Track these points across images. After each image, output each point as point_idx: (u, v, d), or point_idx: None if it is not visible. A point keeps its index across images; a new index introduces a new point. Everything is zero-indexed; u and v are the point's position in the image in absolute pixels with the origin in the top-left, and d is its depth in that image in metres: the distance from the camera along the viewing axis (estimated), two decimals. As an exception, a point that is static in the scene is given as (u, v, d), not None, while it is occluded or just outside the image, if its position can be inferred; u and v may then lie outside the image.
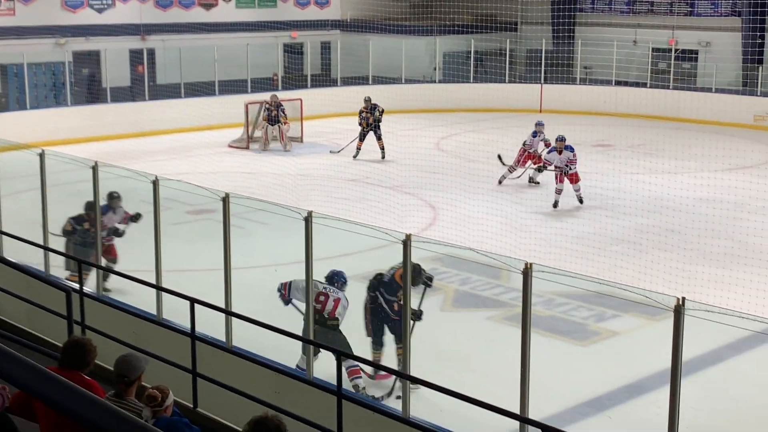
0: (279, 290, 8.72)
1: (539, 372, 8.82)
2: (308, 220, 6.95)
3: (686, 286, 11.80)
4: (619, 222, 15.45)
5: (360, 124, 21.98)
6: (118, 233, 11.56)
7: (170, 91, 26.24)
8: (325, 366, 8.01)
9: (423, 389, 7.21)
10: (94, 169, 8.95)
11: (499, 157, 19.12)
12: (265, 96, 24.31)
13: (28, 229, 10.19)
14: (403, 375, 6.44)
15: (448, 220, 15.39)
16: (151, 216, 8.62)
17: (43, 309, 7.98)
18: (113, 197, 11.49)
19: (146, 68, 26.28)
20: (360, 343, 8.83)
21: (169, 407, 5.00)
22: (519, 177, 18.77)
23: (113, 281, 10.52)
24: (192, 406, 7.05)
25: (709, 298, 10.75)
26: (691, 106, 27.09)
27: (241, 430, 4.25)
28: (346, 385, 6.51)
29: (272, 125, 23.35)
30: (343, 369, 8.03)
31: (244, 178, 19.21)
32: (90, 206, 10.95)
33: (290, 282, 8.63)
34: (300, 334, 7.46)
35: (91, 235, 10.91)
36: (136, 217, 11.39)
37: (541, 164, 17.92)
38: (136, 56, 27.76)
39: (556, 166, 16.94)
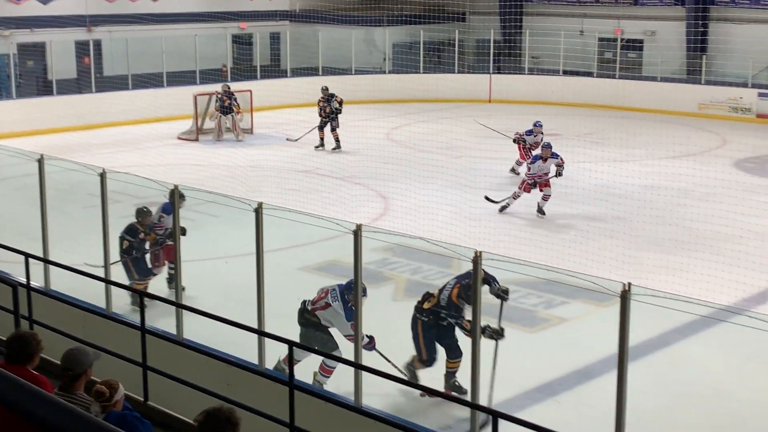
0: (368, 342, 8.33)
1: (490, 359, 8.94)
2: (258, 211, 6.94)
3: (633, 272, 11.98)
4: (568, 210, 15.63)
5: (319, 114, 21.96)
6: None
7: (118, 83, 25.93)
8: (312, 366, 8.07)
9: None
10: (40, 162, 8.82)
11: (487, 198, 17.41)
12: (214, 87, 24.16)
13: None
14: (348, 362, 6.47)
15: (400, 210, 15.44)
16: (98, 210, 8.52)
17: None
18: (143, 212, 10.97)
19: (93, 60, 25.89)
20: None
21: (118, 402, 4.97)
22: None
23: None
24: (143, 399, 7.02)
25: (656, 283, 10.93)
26: (637, 94, 27.48)
27: (193, 422, 4.24)
28: (301, 375, 6.51)
29: (225, 115, 23.22)
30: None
31: (193, 170, 19.07)
32: (141, 213, 10.85)
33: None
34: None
35: (147, 242, 10.89)
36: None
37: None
38: (82, 48, 27.36)
39: (535, 174, 15.70)
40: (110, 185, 8.34)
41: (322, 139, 21.88)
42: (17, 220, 13.01)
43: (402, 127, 25.27)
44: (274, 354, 7.71)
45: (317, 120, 22.10)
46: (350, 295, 8.19)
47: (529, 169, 16.02)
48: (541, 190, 15.64)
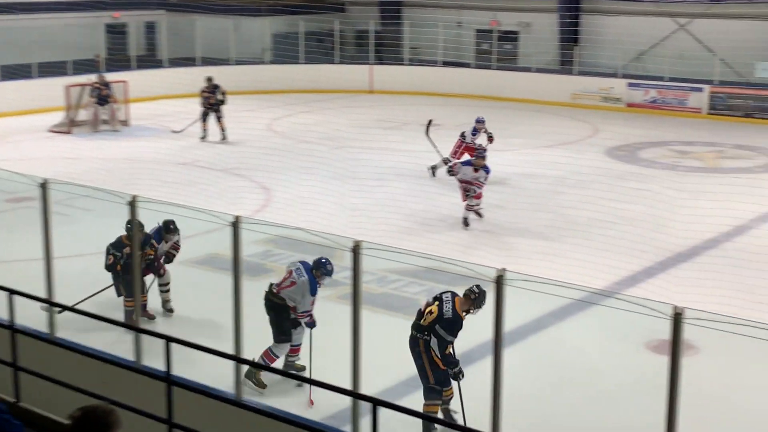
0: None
1: (372, 348, 8.98)
2: (133, 204, 6.78)
3: (511, 258, 12.27)
4: (448, 199, 15.84)
5: (202, 104, 21.58)
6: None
7: (-16, 75, 24.91)
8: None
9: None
10: None
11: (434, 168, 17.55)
12: (87, 78, 23.46)
13: None
14: (240, 360, 6.41)
15: (282, 202, 15.37)
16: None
17: None
18: (170, 229, 10.37)
19: (-42, 50, 24.80)
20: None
21: (-13, 403, 4.77)
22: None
23: None
24: (14, 400, 6.77)
25: (533, 269, 11.21)
26: (514, 85, 28.08)
27: (66, 420, 4.11)
28: (176, 370, 6.39)
29: (102, 105, 22.59)
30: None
31: (67, 163, 18.48)
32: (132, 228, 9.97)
33: None
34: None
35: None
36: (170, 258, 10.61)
37: (452, 169, 14.85)
38: (-54, 38, 26.15)
39: (460, 180, 14.48)
40: (-24, 180, 8.02)
41: (205, 130, 21.54)
42: None
43: (283, 118, 25.13)
44: (152, 350, 7.54)
45: (197, 110, 21.76)
46: (318, 271, 8.52)
47: (456, 172, 14.45)
48: (475, 198, 14.32)
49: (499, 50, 30.04)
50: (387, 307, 10.72)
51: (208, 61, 28.56)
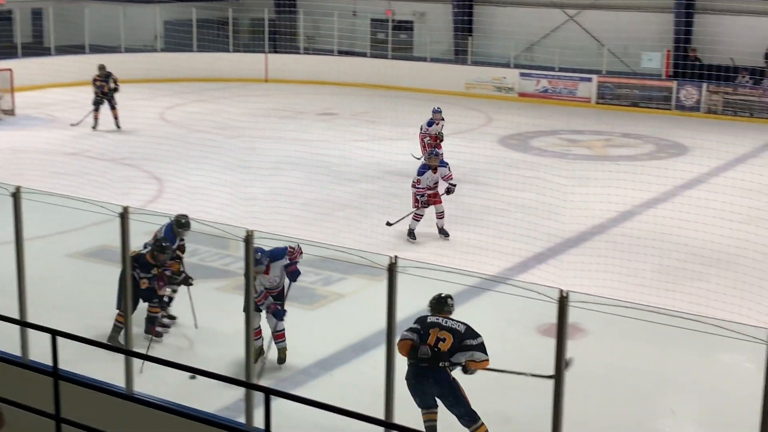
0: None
1: (268, 338, 8.97)
2: (16, 196, 6.58)
3: (407, 246, 12.39)
4: (344, 188, 15.90)
5: (95, 93, 21.01)
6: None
7: None
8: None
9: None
10: None
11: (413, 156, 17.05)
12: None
13: None
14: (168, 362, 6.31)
15: (175, 192, 15.14)
16: None
17: None
18: (162, 248, 9.30)
19: None
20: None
21: None
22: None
23: None
24: None
25: (428, 256, 11.40)
26: (409, 75, 28.28)
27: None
28: (66, 365, 6.24)
29: (-15, 95, 21.85)
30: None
31: (-52, 154, 17.81)
32: (160, 248, 9.16)
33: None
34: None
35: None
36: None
37: (451, 189, 13.55)
38: None
39: (424, 188, 13.21)
40: None
41: (96, 119, 21.01)
42: None
43: (176, 107, 24.73)
44: (38, 345, 7.35)
45: (87, 99, 21.22)
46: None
47: (417, 182, 13.21)
48: (433, 204, 13.29)
49: (394, 40, 30.21)
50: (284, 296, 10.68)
51: (97, 49, 27.83)
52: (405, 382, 6.99)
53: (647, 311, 5.23)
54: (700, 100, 25.21)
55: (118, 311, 9.05)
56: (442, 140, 16.50)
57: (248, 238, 6.08)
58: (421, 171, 13.28)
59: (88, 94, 21.36)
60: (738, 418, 7.75)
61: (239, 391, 6.46)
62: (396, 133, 20.50)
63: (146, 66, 28.13)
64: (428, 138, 16.56)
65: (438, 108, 16.96)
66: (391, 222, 13.50)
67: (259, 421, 5.44)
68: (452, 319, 7.29)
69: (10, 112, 22.55)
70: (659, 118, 24.14)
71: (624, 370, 8.91)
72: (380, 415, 5.53)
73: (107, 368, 6.56)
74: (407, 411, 6.56)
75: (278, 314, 8.75)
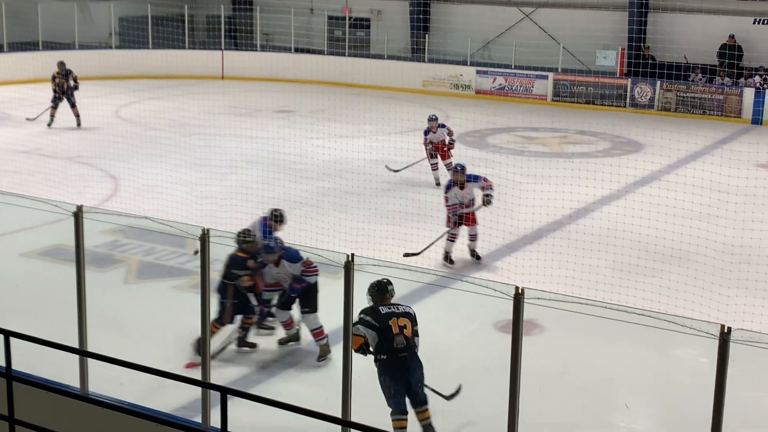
0: None
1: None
2: (-33, 195, 6.48)
3: (365, 244, 12.38)
4: (301, 186, 15.86)
5: (54, 90, 20.72)
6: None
7: None
8: None
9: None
10: None
11: (387, 167, 16.87)
12: None
13: None
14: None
15: (131, 191, 15.00)
16: None
17: None
18: (277, 218, 9.11)
19: None
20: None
21: None
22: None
23: None
24: None
25: (385, 254, 11.38)
26: (366, 72, 28.30)
27: None
28: (20, 366, 6.16)
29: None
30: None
31: None
32: (245, 240, 8.72)
33: None
34: None
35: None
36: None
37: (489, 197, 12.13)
38: None
39: (455, 205, 12.10)
40: None
41: (53, 117, 20.73)
42: None
43: (131, 104, 24.49)
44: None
45: (42, 97, 20.94)
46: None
47: (446, 199, 12.16)
48: (466, 225, 12.16)
49: (351, 37, 30.19)
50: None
51: (50, 46, 27.47)
52: (369, 379, 6.98)
53: (602, 307, 5.27)
54: (654, 97, 25.55)
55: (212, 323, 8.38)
56: (451, 147, 16.28)
57: (204, 237, 6.06)
58: (447, 188, 12.26)
59: (44, 91, 21.08)
60: (691, 411, 7.87)
61: (196, 391, 6.42)
62: (353, 130, 20.51)
63: (101, 63, 27.81)
64: (430, 146, 16.27)
65: (433, 116, 16.42)
66: (412, 253, 11.90)
67: (215, 421, 5.42)
68: (399, 304, 7.31)
69: (-39, 110, 22.21)
70: (614, 116, 24.41)
71: (579, 366, 9.00)
72: (337, 413, 5.54)
73: (62, 369, 6.49)
74: (365, 408, 6.57)
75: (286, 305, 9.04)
